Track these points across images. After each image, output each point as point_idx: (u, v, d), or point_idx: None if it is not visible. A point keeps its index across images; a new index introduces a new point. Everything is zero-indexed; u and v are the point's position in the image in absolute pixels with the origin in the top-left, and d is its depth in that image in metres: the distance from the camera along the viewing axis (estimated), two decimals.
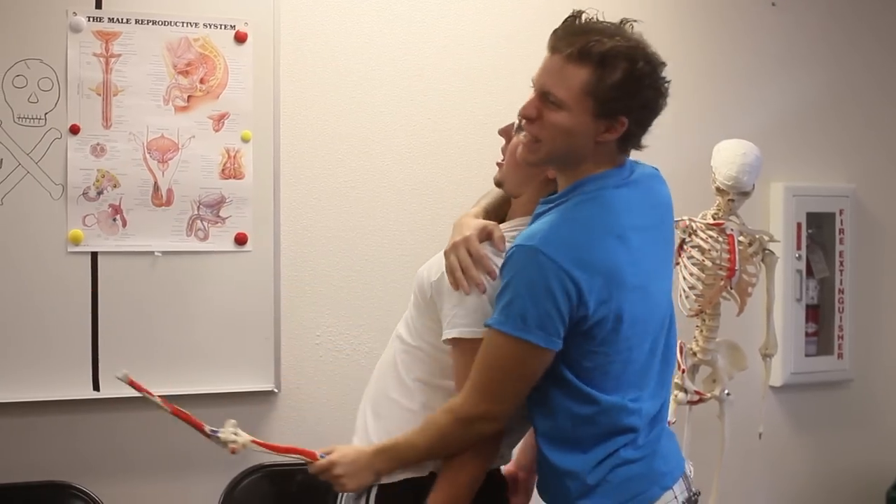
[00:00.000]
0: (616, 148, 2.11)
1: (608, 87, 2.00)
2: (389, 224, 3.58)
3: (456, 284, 2.14)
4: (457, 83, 3.63)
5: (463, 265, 2.14)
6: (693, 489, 2.25)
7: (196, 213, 3.32)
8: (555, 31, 2.07)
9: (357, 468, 2.20)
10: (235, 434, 2.17)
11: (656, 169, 2.30)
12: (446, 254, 2.19)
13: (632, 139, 2.10)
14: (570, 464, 2.12)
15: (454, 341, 2.15)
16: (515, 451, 2.49)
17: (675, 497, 2.17)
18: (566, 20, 2.08)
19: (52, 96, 3.20)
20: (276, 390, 3.43)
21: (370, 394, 2.35)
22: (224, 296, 3.36)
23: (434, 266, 2.24)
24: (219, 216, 3.34)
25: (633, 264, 2.08)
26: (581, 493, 2.12)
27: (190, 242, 3.32)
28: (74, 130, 3.21)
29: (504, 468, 2.43)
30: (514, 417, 2.21)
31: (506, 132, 2.30)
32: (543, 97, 2.05)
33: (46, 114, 3.19)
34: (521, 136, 2.13)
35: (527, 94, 2.11)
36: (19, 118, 3.17)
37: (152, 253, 3.28)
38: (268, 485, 3.35)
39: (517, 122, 2.19)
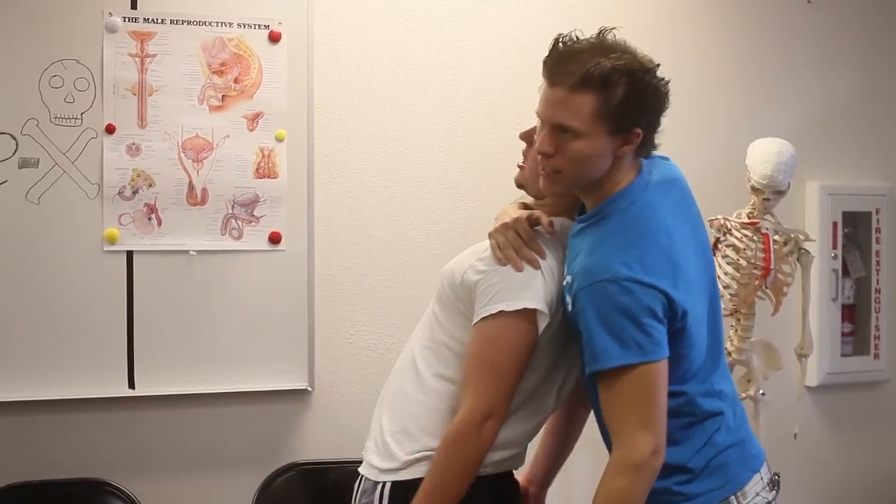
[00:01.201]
0: (633, 154, 2.16)
1: (616, 106, 2.05)
2: (423, 223, 3.58)
3: (505, 260, 2.17)
4: (490, 82, 3.63)
5: (514, 244, 2.19)
6: (772, 470, 2.31)
7: (230, 212, 3.33)
8: (545, 62, 2.12)
9: None
10: None
11: (666, 158, 2.33)
12: (493, 234, 2.23)
13: (646, 144, 2.15)
14: (670, 457, 2.12)
15: (500, 314, 2.15)
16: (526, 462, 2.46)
17: (762, 478, 2.24)
18: (552, 48, 2.12)
19: (88, 96, 3.22)
20: (309, 389, 3.44)
21: (384, 398, 2.35)
22: (258, 295, 3.37)
23: (467, 257, 2.27)
24: (253, 215, 3.35)
25: (685, 256, 2.14)
26: (685, 480, 2.17)
27: (224, 241, 3.33)
28: (110, 130, 3.23)
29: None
30: (528, 408, 2.25)
31: (527, 136, 2.32)
32: (557, 130, 2.10)
33: (83, 113, 3.21)
34: (541, 168, 2.17)
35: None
36: (56, 118, 3.19)
37: (187, 252, 3.29)
38: (302, 482, 3.36)
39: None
